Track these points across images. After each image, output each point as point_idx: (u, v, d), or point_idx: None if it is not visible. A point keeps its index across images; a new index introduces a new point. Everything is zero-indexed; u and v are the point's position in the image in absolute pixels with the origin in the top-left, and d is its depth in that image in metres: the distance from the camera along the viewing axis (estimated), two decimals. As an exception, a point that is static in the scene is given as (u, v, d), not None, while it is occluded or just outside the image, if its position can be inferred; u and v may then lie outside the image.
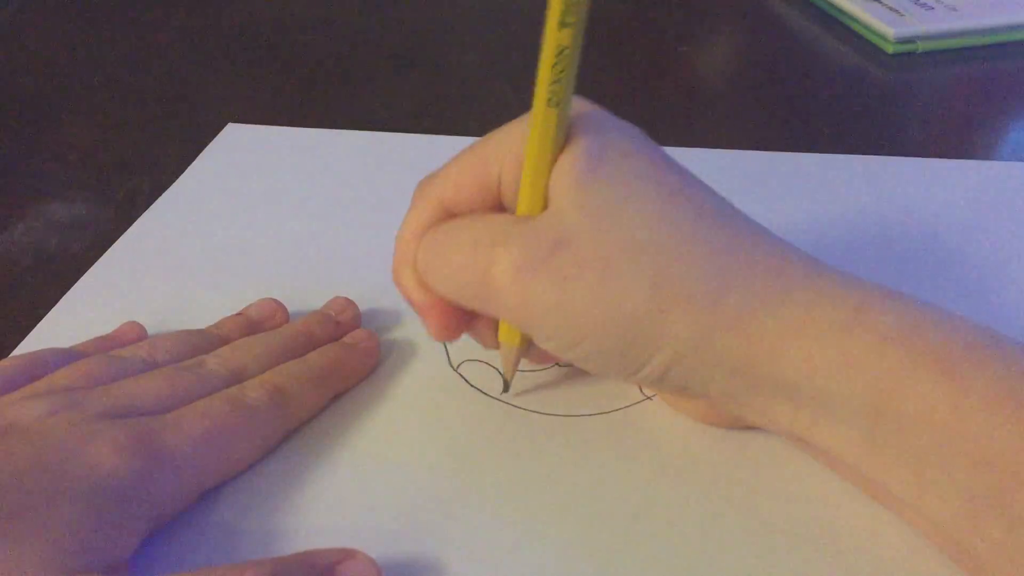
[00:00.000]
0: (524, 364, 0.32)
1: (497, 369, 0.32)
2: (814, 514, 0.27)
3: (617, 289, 0.24)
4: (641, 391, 0.31)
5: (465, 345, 0.33)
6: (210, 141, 0.47)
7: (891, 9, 0.60)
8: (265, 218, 0.41)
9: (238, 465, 0.28)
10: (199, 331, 0.32)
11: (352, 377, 0.31)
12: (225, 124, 0.49)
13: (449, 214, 0.28)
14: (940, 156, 0.45)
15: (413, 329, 0.34)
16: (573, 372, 0.32)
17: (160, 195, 0.43)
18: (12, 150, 0.49)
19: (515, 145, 0.26)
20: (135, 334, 0.32)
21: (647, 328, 0.24)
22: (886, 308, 0.24)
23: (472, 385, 0.32)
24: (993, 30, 0.59)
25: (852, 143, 0.48)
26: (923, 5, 0.61)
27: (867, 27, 0.60)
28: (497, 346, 0.30)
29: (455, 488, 0.28)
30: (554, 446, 0.29)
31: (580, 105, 0.26)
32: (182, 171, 0.45)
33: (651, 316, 0.24)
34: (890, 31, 0.58)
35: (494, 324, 0.29)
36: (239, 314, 0.33)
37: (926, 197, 0.42)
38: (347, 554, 0.24)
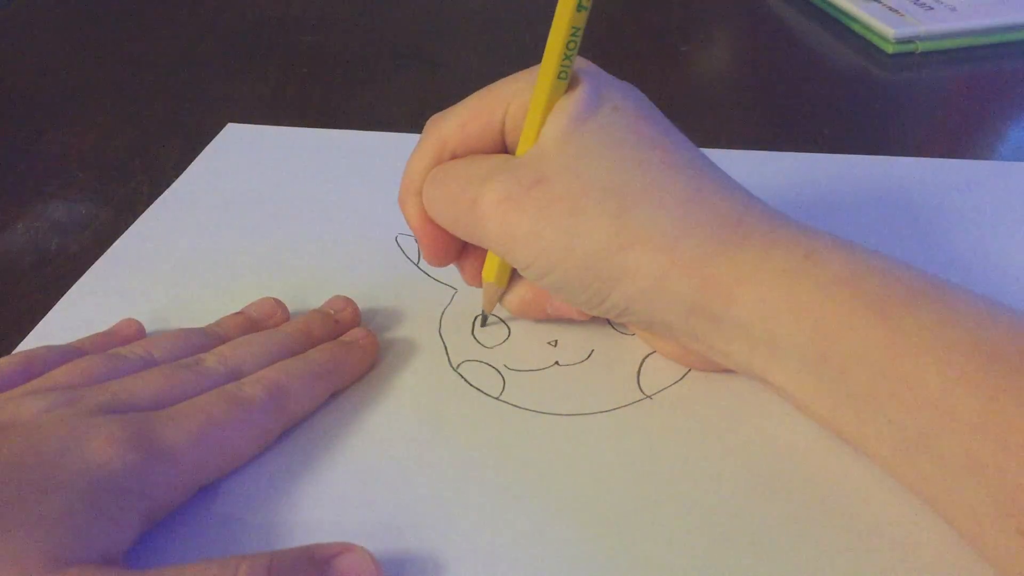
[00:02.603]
0: (522, 364, 0.32)
1: (497, 369, 0.32)
2: (816, 513, 0.27)
3: (583, 224, 0.27)
4: (641, 389, 0.31)
5: (465, 345, 0.34)
6: (210, 141, 0.47)
7: (891, 9, 0.60)
8: (265, 218, 0.41)
9: (235, 460, 0.28)
10: (198, 330, 0.32)
11: (350, 375, 0.31)
12: (225, 124, 0.49)
13: (452, 153, 0.30)
14: (940, 156, 0.45)
15: (413, 329, 0.34)
16: (573, 372, 0.32)
17: (160, 195, 0.43)
18: (12, 150, 0.49)
19: (521, 94, 0.29)
20: (133, 330, 0.33)
21: (608, 263, 0.27)
22: (834, 256, 0.26)
23: (472, 385, 0.32)
24: (993, 30, 0.59)
25: (852, 143, 0.48)
26: (923, 5, 0.61)
27: (867, 27, 0.60)
28: (477, 283, 0.33)
29: (454, 487, 0.28)
30: (553, 446, 0.29)
31: (581, 62, 0.29)
32: (182, 171, 0.45)
33: (612, 252, 0.27)
34: (890, 31, 0.58)
35: (478, 262, 0.33)
36: (239, 313, 0.34)
37: (926, 197, 0.42)
38: (345, 547, 0.24)
